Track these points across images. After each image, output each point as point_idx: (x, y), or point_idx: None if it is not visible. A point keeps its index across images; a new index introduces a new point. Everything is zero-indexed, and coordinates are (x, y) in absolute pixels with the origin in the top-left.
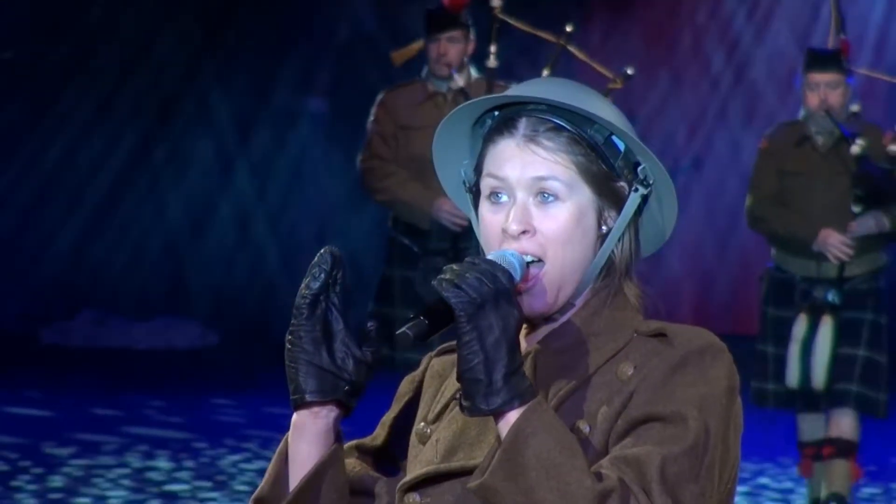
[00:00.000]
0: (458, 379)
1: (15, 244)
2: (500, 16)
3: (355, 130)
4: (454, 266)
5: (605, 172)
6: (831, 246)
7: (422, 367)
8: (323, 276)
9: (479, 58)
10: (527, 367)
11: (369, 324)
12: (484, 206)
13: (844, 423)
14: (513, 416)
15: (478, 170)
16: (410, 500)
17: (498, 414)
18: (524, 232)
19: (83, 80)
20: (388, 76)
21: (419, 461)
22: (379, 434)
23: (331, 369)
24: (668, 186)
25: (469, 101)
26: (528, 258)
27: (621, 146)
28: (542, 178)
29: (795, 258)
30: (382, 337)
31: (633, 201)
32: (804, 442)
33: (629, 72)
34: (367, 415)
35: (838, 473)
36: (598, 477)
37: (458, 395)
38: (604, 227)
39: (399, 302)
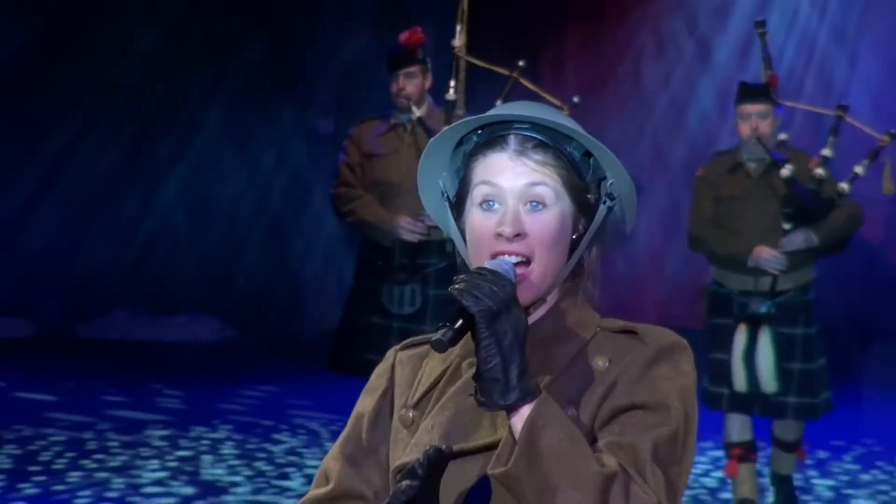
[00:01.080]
0: (475, 377)
1: (54, 248)
2: (459, 53)
3: None
4: (465, 277)
5: (581, 185)
6: (764, 260)
7: (389, 362)
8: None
9: (439, 91)
10: None
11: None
12: (475, 212)
13: (789, 430)
14: (525, 411)
15: (464, 181)
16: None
17: (512, 408)
18: (517, 235)
19: (111, 96)
20: (388, 98)
21: (415, 445)
22: (360, 419)
23: None
24: (632, 197)
25: (464, 119)
26: (516, 259)
27: (591, 163)
28: (533, 185)
29: (733, 274)
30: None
31: (601, 213)
32: (731, 443)
33: (575, 100)
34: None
35: (783, 459)
36: (601, 462)
37: (474, 391)
38: (575, 235)
39: (365, 311)
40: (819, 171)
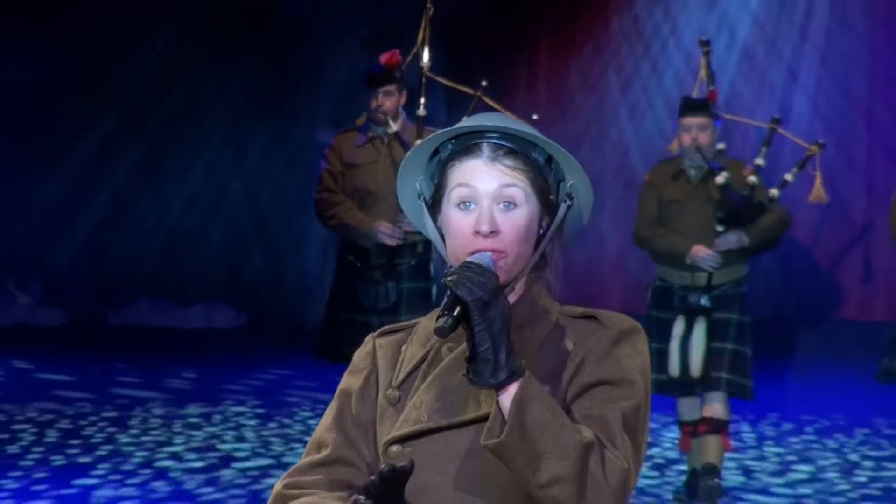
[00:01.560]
0: (468, 359)
1: (85, 248)
2: (428, 74)
3: None
4: (456, 270)
5: (545, 186)
6: (700, 258)
7: (369, 347)
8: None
9: (411, 107)
10: None
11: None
12: (454, 212)
13: (717, 406)
14: (513, 388)
15: (440, 185)
16: (394, 451)
17: (501, 387)
18: (493, 232)
19: (128, 114)
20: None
21: (403, 421)
22: (344, 399)
23: None
24: (589, 197)
25: (442, 130)
26: (490, 255)
27: (553, 166)
28: (505, 187)
29: (674, 270)
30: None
31: (562, 212)
32: (683, 421)
33: (535, 117)
34: None
35: (712, 447)
36: (579, 432)
37: (466, 371)
38: (541, 230)
39: (346, 309)
40: (752, 178)
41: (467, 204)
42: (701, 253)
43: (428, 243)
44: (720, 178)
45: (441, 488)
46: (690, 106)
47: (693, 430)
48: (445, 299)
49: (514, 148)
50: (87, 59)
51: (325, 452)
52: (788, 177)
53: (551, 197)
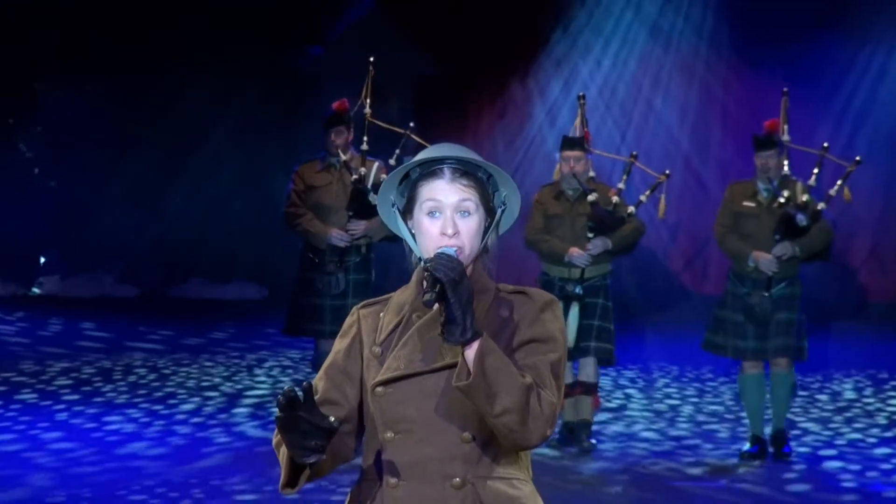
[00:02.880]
0: (443, 323)
1: (152, 236)
2: (370, 118)
3: None
4: (433, 259)
5: (488, 197)
6: (575, 258)
7: (354, 317)
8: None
9: (357, 142)
10: None
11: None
12: (424, 219)
13: (589, 370)
14: (475, 345)
15: (412, 198)
16: (379, 391)
17: (467, 343)
18: (455, 233)
19: (176, 124)
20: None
21: (386, 369)
22: (336, 355)
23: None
24: (516, 203)
25: (415, 160)
26: (454, 249)
27: (491, 182)
28: (463, 200)
29: (555, 266)
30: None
31: (498, 214)
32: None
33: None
34: None
35: (585, 405)
36: (523, 376)
37: (441, 331)
38: (484, 228)
39: (306, 294)
40: (615, 198)
41: (434, 213)
42: (576, 254)
43: (370, 245)
44: (591, 198)
45: (416, 419)
46: (568, 142)
47: (568, 391)
48: (426, 280)
49: (466, 170)
50: (151, 97)
51: (317, 396)
52: (643, 197)
53: (491, 204)
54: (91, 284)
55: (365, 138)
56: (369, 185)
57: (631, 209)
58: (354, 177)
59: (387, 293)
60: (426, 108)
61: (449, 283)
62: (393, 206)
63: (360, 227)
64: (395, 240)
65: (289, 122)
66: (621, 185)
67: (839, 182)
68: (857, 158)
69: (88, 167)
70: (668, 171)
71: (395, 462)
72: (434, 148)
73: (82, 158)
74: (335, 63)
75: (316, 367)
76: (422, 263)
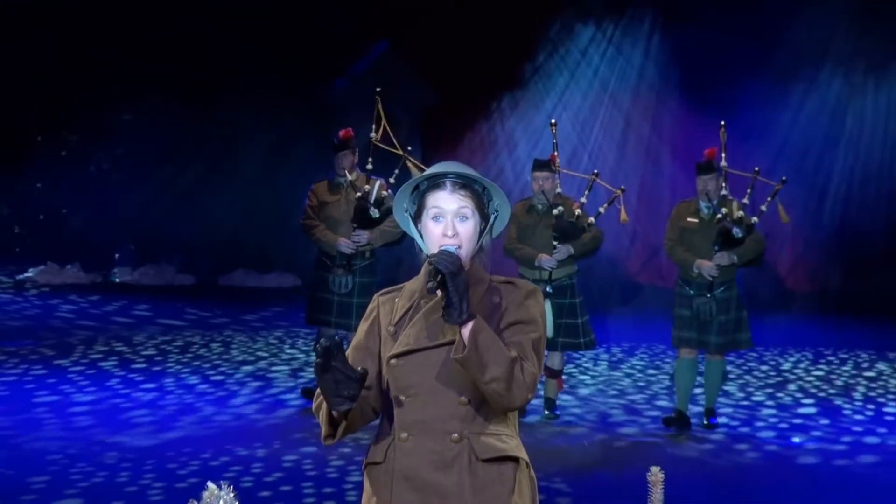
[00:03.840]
0: (444, 307)
1: (204, 232)
2: (374, 143)
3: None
4: (435, 254)
5: (483, 205)
6: (544, 262)
7: (375, 303)
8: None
9: (362, 163)
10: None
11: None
12: (430, 223)
13: (555, 359)
14: (470, 325)
15: (420, 205)
16: (393, 363)
17: (463, 323)
18: (454, 235)
19: (224, 133)
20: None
21: (399, 344)
22: (360, 335)
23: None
24: (506, 211)
25: (422, 175)
26: (455, 247)
27: (485, 193)
28: (462, 208)
29: (527, 269)
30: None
31: (491, 220)
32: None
33: None
34: None
35: (551, 386)
36: (509, 350)
37: (442, 313)
38: (479, 231)
39: (319, 290)
40: (578, 211)
41: (438, 218)
42: (544, 259)
43: (374, 251)
44: (555, 211)
45: (422, 385)
46: (538, 164)
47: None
48: (429, 272)
49: (465, 183)
50: (204, 118)
51: None
52: (601, 209)
53: (485, 211)
54: (156, 274)
55: (370, 159)
56: (371, 201)
57: (591, 220)
58: (358, 194)
59: (399, 283)
60: (429, 132)
61: (449, 274)
62: (405, 212)
63: (362, 236)
64: (394, 245)
65: (318, 142)
66: (583, 200)
67: (769, 199)
68: (784, 179)
69: (154, 176)
70: (623, 187)
71: (405, 420)
72: (439, 165)
73: (149, 169)
74: (357, 94)
75: (316, 350)
76: (427, 259)
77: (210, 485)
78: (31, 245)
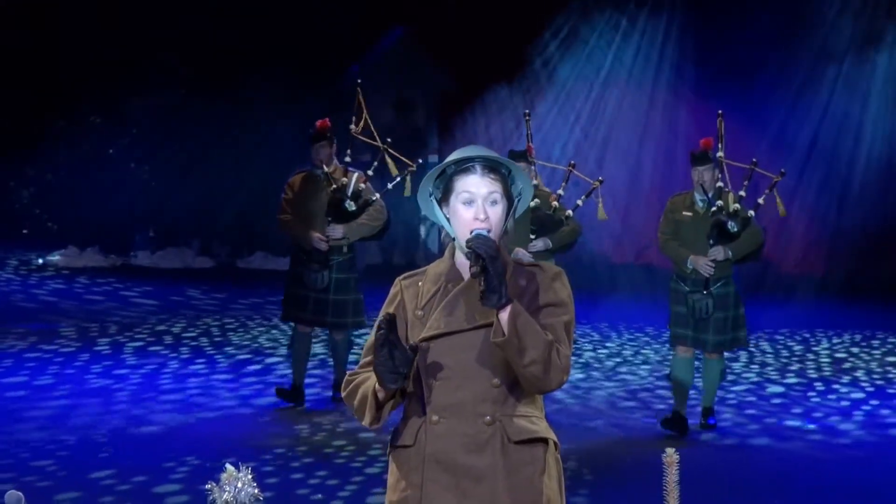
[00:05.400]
0: (484, 291)
1: (226, 218)
2: (353, 134)
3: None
4: (472, 238)
5: (509, 189)
6: (521, 255)
7: (398, 287)
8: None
9: (341, 155)
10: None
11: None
12: (460, 207)
13: None
14: (509, 308)
15: (448, 190)
16: (424, 346)
17: (502, 307)
18: (486, 218)
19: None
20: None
21: (427, 328)
22: (384, 317)
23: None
24: (530, 192)
25: (450, 159)
26: (486, 230)
27: (510, 176)
28: (492, 192)
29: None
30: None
31: (516, 203)
32: None
33: (420, 161)
34: None
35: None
36: (545, 334)
37: (481, 297)
38: (506, 214)
39: (295, 287)
40: (555, 203)
41: (469, 202)
42: (520, 253)
43: (352, 246)
44: (533, 203)
45: (454, 368)
46: (514, 155)
47: None
48: (470, 256)
49: (494, 167)
50: (224, 106)
51: (369, 357)
52: (580, 202)
53: (511, 194)
54: (175, 257)
55: (348, 151)
56: (349, 193)
57: (569, 213)
58: (333, 186)
59: (401, 271)
60: (446, 116)
61: (489, 258)
62: (430, 196)
63: (337, 231)
64: (371, 240)
65: (335, 127)
66: (561, 192)
67: (767, 191)
68: (782, 171)
69: (173, 162)
70: (601, 178)
71: (437, 402)
72: (465, 149)
73: (168, 154)
74: (373, 80)
75: (291, 347)
76: (454, 241)
77: (228, 466)
78: (52, 229)
